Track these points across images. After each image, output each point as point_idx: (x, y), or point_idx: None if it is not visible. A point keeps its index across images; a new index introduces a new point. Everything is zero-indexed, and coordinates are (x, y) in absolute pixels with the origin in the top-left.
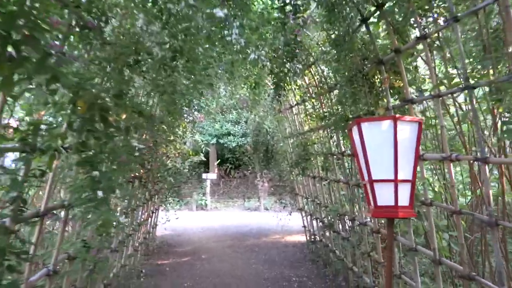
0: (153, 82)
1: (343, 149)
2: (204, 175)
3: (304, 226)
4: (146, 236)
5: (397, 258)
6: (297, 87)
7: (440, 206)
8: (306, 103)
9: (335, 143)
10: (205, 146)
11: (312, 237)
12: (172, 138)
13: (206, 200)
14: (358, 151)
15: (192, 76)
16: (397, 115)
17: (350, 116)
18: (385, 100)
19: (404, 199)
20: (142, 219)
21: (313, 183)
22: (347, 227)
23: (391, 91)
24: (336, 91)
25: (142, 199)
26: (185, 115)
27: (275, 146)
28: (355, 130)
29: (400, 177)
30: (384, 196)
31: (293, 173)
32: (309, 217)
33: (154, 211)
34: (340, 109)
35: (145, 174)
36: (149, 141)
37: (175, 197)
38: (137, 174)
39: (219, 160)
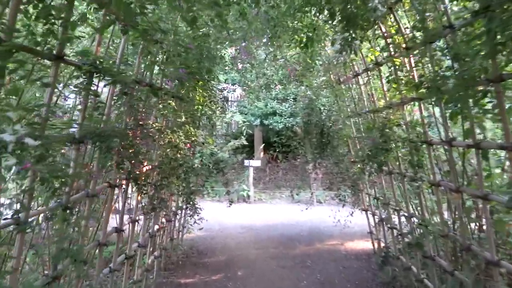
0: None
1: (450, 135)
2: (246, 162)
3: (371, 233)
4: (167, 246)
5: None
6: (370, 40)
7: None
8: (382, 67)
9: (433, 126)
10: (248, 128)
11: (384, 250)
12: (183, 120)
13: (248, 191)
14: None
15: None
16: None
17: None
18: None
19: None
20: (154, 230)
21: (387, 180)
22: (450, 255)
23: None
24: (436, 43)
25: (143, 208)
26: (211, 89)
27: (332, 128)
28: None
29: None
30: None
31: (363, 169)
32: (378, 222)
33: (178, 212)
34: (458, 68)
35: (143, 175)
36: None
37: (187, 207)
38: (132, 175)
39: (264, 144)
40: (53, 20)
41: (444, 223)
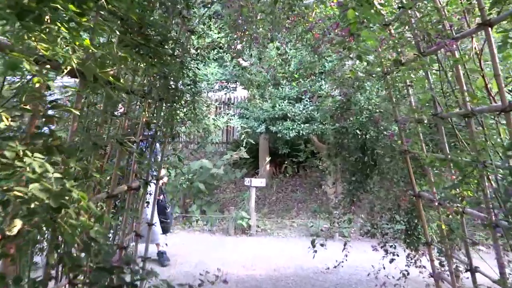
0: None
1: None
2: (247, 181)
3: None
4: None
5: None
6: None
7: None
8: None
9: None
10: (249, 137)
11: None
12: None
13: (248, 219)
14: None
15: None
16: None
17: None
18: None
19: None
20: None
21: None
22: None
23: None
24: None
25: None
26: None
27: (382, 139)
28: None
29: None
30: None
31: None
32: None
33: None
34: None
35: None
36: None
37: None
38: None
39: (270, 158)
40: None
41: None
